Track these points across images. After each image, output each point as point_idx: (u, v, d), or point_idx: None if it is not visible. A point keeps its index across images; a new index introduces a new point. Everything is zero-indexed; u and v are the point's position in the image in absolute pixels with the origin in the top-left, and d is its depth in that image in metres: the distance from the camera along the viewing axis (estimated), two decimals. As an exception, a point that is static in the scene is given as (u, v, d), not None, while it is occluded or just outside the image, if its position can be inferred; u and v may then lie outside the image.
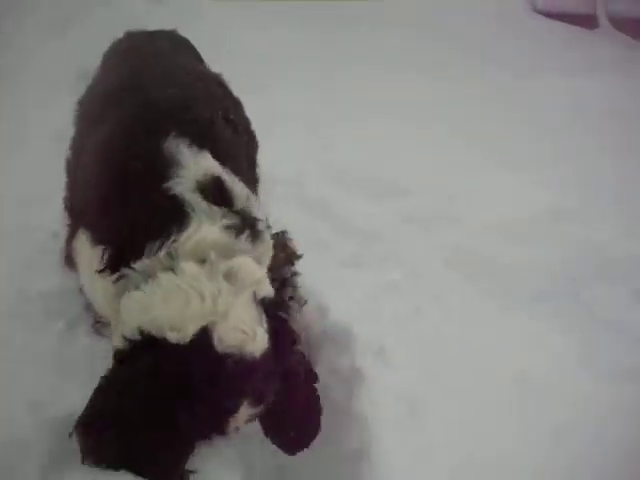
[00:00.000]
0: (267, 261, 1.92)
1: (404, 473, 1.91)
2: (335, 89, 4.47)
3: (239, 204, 1.84)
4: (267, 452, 1.95)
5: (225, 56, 3.11)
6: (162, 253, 1.64)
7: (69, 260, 1.99)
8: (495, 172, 3.69)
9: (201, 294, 1.55)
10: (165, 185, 1.75)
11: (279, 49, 4.81)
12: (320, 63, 4.76)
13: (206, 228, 1.71)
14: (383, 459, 1.95)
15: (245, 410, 1.59)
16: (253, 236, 1.82)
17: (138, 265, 1.64)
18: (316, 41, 4.97)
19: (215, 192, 1.80)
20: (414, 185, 3.50)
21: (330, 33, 5.28)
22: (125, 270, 1.66)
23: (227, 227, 1.76)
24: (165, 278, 1.59)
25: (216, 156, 1.87)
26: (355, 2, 5.84)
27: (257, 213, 1.91)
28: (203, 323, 1.51)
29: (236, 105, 2.38)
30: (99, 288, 1.76)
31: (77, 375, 1.96)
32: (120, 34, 2.83)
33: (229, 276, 1.63)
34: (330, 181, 3.49)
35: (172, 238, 1.66)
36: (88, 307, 2.04)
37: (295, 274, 2.28)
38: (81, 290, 2.00)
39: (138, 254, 1.65)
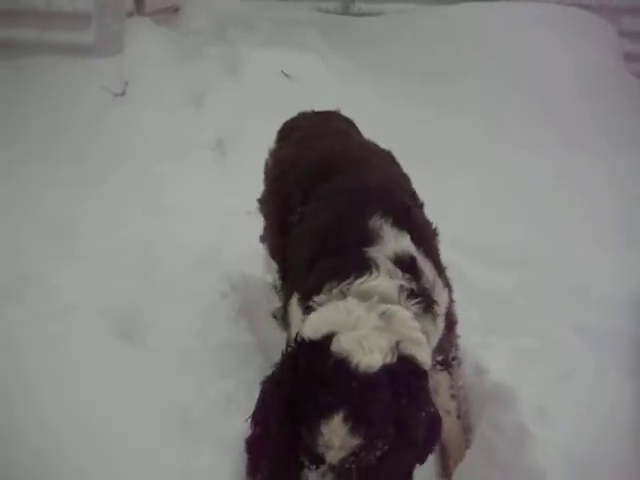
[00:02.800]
0: (431, 341, 2.05)
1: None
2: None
3: (424, 283, 2.04)
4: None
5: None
6: (336, 291, 1.95)
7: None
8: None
9: (348, 311, 1.87)
10: (365, 249, 2.00)
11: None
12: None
13: (381, 280, 1.96)
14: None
15: (338, 424, 1.72)
16: (425, 309, 2.01)
17: (317, 299, 1.97)
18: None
19: (406, 266, 2.03)
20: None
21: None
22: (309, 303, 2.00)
23: (402, 287, 1.97)
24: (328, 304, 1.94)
25: (412, 238, 2.10)
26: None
27: (438, 298, 2.09)
28: (335, 329, 1.82)
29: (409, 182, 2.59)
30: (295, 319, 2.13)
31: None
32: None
33: (383, 315, 1.88)
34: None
35: (348, 281, 1.95)
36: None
37: (457, 336, 2.44)
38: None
39: (319, 292, 1.98)
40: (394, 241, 2.06)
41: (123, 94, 4.71)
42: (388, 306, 1.91)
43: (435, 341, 2.12)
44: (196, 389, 2.51)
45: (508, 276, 3.40)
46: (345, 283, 1.95)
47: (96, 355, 2.51)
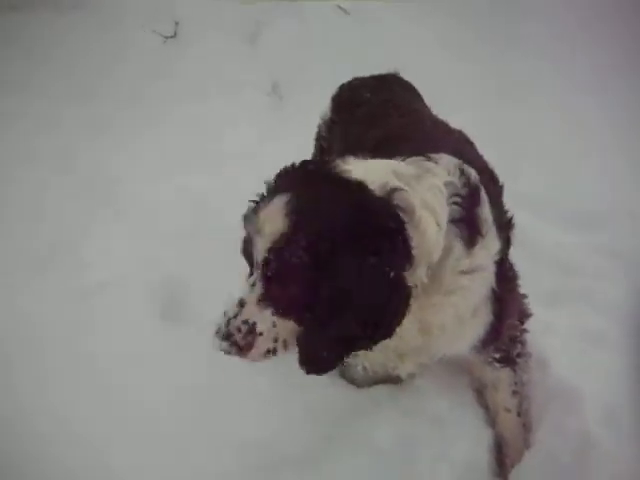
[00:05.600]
0: (433, 257, 1.78)
1: None
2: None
3: (478, 210, 1.86)
4: None
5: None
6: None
7: None
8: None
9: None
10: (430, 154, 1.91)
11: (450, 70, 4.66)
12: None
13: (435, 166, 1.85)
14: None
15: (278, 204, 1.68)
16: (459, 220, 1.82)
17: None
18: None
19: (467, 185, 1.88)
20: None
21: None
22: None
23: (451, 183, 1.83)
24: None
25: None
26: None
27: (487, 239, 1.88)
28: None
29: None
30: None
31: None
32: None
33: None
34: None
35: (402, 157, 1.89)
36: None
37: (524, 331, 2.24)
38: None
39: None
40: (460, 164, 1.91)
41: (174, 36, 4.51)
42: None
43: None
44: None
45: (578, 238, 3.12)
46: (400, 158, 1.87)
47: (133, 336, 2.46)
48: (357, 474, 2.11)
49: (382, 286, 1.65)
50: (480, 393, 2.32)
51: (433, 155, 1.90)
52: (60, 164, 3.47)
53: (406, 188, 1.73)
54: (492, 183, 2.11)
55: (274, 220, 1.67)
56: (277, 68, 4.52)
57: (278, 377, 2.34)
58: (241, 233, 1.86)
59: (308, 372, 1.79)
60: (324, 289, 1.65)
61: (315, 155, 2.88)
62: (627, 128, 3.96)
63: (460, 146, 2.19)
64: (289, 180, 1.80)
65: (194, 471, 2.13)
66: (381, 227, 1.66)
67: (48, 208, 3.18)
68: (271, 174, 2.78)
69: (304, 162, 1.88)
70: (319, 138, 2.85)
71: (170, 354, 2.42)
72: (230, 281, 2.57)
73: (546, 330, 2.45)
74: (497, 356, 2.15)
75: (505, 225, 2.07)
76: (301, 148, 2.98)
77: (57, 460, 2.10)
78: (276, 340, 1.76)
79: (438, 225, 1.75)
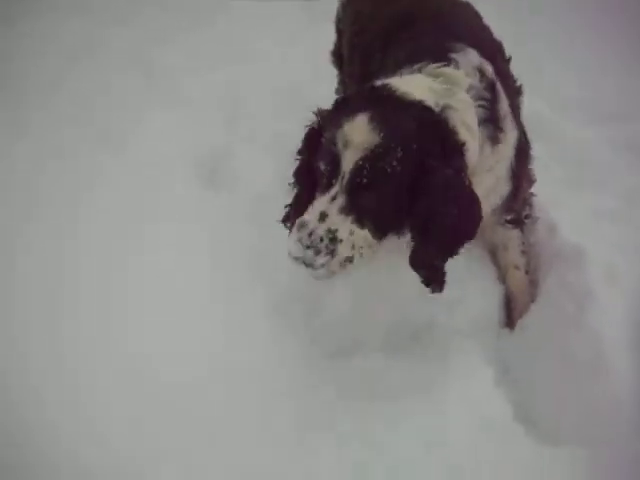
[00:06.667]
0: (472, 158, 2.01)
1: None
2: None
3: (496, 106, 2.10)
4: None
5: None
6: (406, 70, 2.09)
7: None
8: None
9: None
10: (450, 53, 2.11)
11: None
12: None
13: (456, 71, 2.05)
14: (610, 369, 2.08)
15: (362, 120, 1.86)
16: (486, 120, 2.06)
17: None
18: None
19: (485, 82, 2.09)
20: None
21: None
22: None
23: (472, 86, 2.05)
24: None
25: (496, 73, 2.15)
26: None
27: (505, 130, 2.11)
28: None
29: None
30: None
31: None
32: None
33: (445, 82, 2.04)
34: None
35: (421, 64, 2.09)
36: None
37: (532, 194, 2.46)
38: None
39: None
40: (478, 61, 2.10)
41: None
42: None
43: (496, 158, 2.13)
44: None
45: (599, 131, 3.25)
46: (418, 65, 2.06)
47: (181, 200, 2.71)
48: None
49: (466, 197, 1.91)
50: (493, 254, 2.52)
51: (453, 56, 2.08)
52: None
53: (453, 106, 1.95)
54: (501, 59, 2.32)
55: (363, 133, 1.83)
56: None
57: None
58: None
59: (434, 291, 2.00)
60: (421, 206, 1.87)
61: (336, 40, 3.00)
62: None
63: (468, 17, 2.40)
64: (363, 101, 1.93)
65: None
66: (454, 143, 1.90)
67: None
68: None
69: (371, 86, 2.01)
70: (337, 21, 2.96)
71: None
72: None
73: (554, 204, 2.65)
74: (508, 218, 2.36)
75: (515, 94, 2.29)
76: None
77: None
78: (353, 247, 1.91)
79: (473, 138, 1.98)
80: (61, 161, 2.90)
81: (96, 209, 2.66)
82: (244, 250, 2.58)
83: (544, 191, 2.61)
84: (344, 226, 1.88)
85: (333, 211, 1.87)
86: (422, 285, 2.01)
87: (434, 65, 2.06)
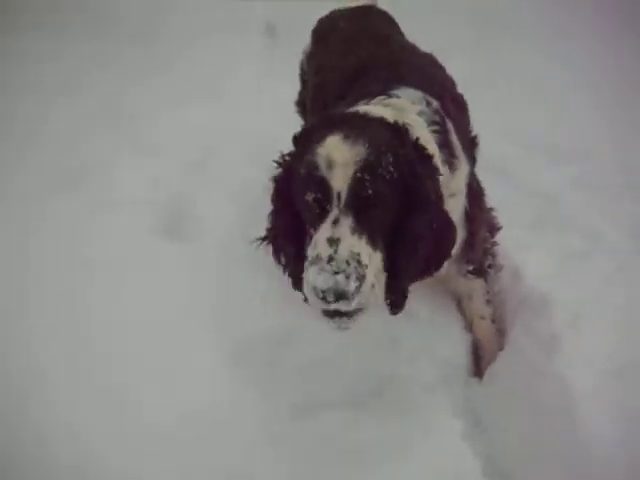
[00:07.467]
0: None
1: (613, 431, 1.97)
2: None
3: (448, 137, 2.08)
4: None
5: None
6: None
7: None
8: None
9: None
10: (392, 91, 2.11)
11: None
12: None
13: (402, 100, 2.06)
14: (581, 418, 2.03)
15: (337, 140, 1.78)
16: (442, 144, 2.03)
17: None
18: None
19: (433, 114, 2.08)
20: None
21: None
22: None
23: (422, 112, 2.05)
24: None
25: (443, 108, 2.14)
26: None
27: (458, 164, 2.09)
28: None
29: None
30: None
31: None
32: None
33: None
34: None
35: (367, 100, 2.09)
36: None
37: (495, 244, 2.44)
38: None
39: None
40: (422, 94, 2.10)
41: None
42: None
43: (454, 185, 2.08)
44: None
45: (561, 171, 3.26)
46: (363, 101, 2.05)
47: (142, 248, 2.66)
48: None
49: (447, 217, 1.90)
50: (458, 302, 2.50)
51: (393, 92, 2.08)
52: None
53: (411, 123, 1.92)
54: (456, 105, 2.29)
55: (345, 150, 1.74)
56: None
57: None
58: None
59: (394, 313, 1.88)
60: (419, 222, 1.79)
61: (301, 90, 3.01)
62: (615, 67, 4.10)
63: (428, 69, 2.38)
64: (327, 125, 1.85)
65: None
66: (426, 150, 1.88)
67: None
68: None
69: (334, 112, 2.02)
70: (302, 73, 2.97)
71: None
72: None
73: (519, 248, 2.63)
74: (470, 268, 2.32)
75: (470, 144, 2.28)
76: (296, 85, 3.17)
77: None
78: (375, 275, 1.75)
79: (435, 155, 1.95)
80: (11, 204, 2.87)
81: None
82: (206, 298, 2.53)
83: (509, 234, 2.59)
84: (365, 249, 1.72)
85: (345, 234, 1.70)
86: (384, 334, 1.95)
87: (378, 98, 2.06)
